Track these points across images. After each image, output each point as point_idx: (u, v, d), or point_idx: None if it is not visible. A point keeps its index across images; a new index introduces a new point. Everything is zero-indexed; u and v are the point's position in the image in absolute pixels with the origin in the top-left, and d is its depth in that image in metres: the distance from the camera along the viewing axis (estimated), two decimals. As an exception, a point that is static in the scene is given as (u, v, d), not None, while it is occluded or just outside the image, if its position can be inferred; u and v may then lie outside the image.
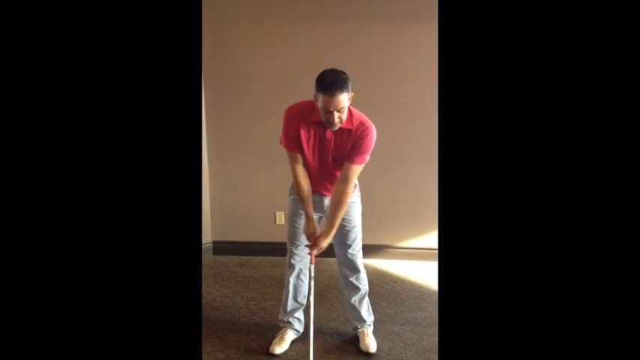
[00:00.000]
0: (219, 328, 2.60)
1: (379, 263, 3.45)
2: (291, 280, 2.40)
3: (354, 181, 2.21)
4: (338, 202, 2.19)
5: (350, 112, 2.09)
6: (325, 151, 2.18)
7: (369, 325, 2.50)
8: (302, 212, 2.29)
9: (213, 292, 3.03)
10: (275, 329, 2.52)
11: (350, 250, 2.38)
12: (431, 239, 3.47)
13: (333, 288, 3.07)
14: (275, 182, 3.49)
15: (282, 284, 2.44)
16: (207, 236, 3.57)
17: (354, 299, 2.44)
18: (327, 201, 2.32)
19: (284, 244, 2.31)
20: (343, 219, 2.26)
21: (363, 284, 2.44)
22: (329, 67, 2.06)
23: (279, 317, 2.50)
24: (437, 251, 3.39)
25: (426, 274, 3.28)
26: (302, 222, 2.31)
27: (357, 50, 3.24)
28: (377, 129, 2.14)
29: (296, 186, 2.24)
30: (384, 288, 3.09)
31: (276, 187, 3.51)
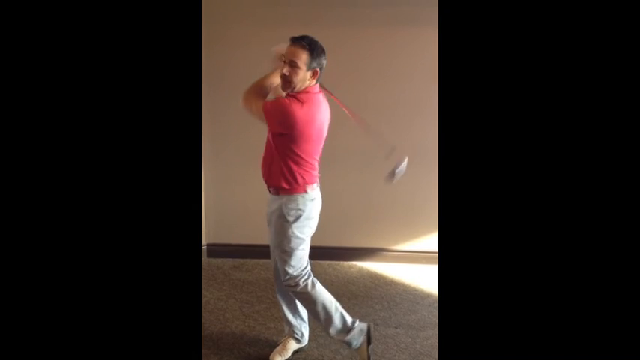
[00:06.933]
0: (213, 331, 2.59)
1: (373, 266, 3.46)
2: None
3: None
4: None
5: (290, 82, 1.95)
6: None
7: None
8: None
9: (207, 294, 3.03)
10: (269, 333, 2.51)
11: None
12: (425, 242, 3.48)
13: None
14: (269, 185, 3.50)
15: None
16: (201, 238, 3.57)
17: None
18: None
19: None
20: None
21: None
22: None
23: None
24: (431, 254, 3.40)
25: (419, 277, 3.29)
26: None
27: (351, 54, 3.24)
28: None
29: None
30: (378, 291, 3.09)
31: (271, 189, 3.52)
